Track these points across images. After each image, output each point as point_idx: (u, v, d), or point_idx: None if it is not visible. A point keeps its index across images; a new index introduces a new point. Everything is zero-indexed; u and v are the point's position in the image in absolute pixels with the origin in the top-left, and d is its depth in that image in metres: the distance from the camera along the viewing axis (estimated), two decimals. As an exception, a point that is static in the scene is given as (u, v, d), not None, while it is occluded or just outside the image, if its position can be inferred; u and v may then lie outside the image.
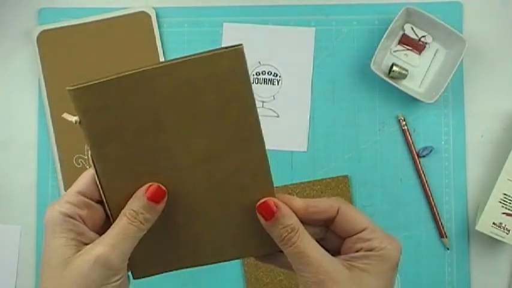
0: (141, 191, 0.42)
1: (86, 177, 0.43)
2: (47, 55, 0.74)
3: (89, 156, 0.42)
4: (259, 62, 0.75)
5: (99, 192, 0.43)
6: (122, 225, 0.42)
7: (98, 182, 0.43)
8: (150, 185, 0.43)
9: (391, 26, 0.71)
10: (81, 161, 0.73)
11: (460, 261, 0.73)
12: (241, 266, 0.72)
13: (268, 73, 0.75)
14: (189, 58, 0.41)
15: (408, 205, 0.73)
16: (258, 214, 0.43)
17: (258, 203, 0.43)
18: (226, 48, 0.41)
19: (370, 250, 0.43)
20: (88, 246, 0.41)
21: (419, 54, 0.74)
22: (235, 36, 0.75)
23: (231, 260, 0.47)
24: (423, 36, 0.74)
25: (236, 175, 0.43)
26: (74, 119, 0.41)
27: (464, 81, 0.74)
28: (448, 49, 0.74)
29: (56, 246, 0.41)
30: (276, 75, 0.75)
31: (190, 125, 0.42)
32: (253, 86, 0.74)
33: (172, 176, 0.43)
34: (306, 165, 0.74)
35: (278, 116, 0.74)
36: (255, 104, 0.42)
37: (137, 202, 0.42)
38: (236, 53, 0.41)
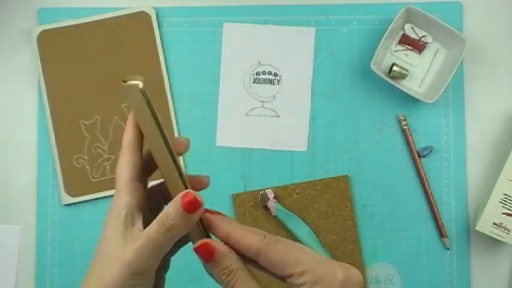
0: (179, 197, 0.41)
1: (125, 162, 0.43)
2: (47, 55, 0.74)
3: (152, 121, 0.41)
4: (259, 62, 0.75)
5: (167, 156, 0.41)
6: (150, 228, 0.40)
7: (163, 143, 0.41)
8: (187, 192, 0.41)
9: (391, 26, 0.71)
10: (81, 161, 0.73)
11: (460, 261, 0.73)
12: (241, 266, 0.72)
13: (268, 73, 0.75)
14: None
15: (408, 205, 0.73)
16: (196, 255, 0.41)
17: (196, 245, 0.41)
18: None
19: None
20: (129, 243, 0.40)
21: (420, 54, 0.74)
22: (235, 36, 0.75)
23: None
24: (423, 36, 0.74)
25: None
26: (137, 82, 0.40)
27: (464, 81, 0.74)
28: (448, 49, 0.74)
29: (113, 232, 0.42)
30: (276, 75, 0.75)
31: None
32: (253, 86, 0.74)
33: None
34: (306, 165, 0.74)
35: (278, 116, 0.74)
36: (163, 135, 0.42)
37: (171, 207, 0.41)
38: (134, 86, 0.41)
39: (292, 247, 0.40)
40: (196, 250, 0.41)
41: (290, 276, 0.39)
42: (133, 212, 0.42)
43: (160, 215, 0.40)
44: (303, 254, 0.40)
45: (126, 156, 0.43)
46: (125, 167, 0.43)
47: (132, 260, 0.39)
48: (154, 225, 0.40)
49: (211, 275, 0.42)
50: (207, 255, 0.41)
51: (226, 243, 0.41)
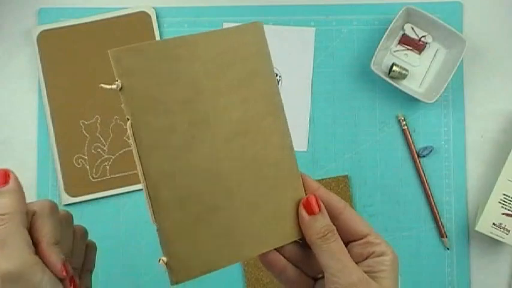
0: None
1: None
2: (47, 55, 0.74)
3: (128, 127, 0.40)
4: (259, 62, 0.75)
5: (139, 171, 0.41)
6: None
7: (136, 156, 0.40)
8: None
9: (391, 26, 0.71)
10: (81, 161, 0.73)
11: (460, 261, 0.73)
12: (241, 266, 0.72)
13: (268, 73, 0.75)
14: (223, 29, 0.44)
15: (408, 205, 0.73)
16: (300, 209, 0.44)
17: (303, 200, 0.44)
18: (248, 24, 0.44)
19: (381, 255, 0.44)
20: None
21: (420, 54, 0.74)
22: (235, 36, 0.75)
23: (268, 250, 0.44)
24: (423, 36, 0.74)
25: (266, 150, 0.43)
26: (113, 86, 0.40)
27: (464, 81, 0.74)
28: (448, 49, 0.74)
29: None
30: (276, 75, 0.75)
31: (225, 94, 0.42)
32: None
33: (210, 151, 0.42)
34: (306, 165, 0.74)
35: (278, 116, 0.74)
36: (275, 79, 0.44)
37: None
38: (256, 27, 0.44)
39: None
40: (305, 203, 0.44)
41: (368, 234, 0.45)
42: None
43: None
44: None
45: None
46: None
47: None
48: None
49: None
50: (313, 209, 0.44)
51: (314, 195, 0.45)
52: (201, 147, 0.41)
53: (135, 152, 0.40)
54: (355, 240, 0.45)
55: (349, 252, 0.44)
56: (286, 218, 0.44)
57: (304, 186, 0.45)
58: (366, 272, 0.43)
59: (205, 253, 0.42)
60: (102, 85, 0.40)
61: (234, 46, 0.43)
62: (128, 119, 0.40)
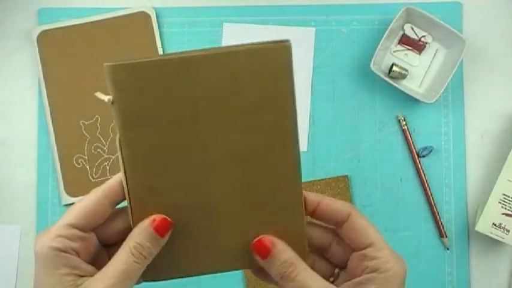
0: (147, 222, 0.40)
1: (77, 209, 0.40)
2: (47, 55, 0.74)
3: (117, 140, 0.40)
4: (259, 62, 0.75)
5: (124, 183, 0.40)
6: (124, 259, 0.39)
7: (122, 170, 0.40)
8: (156, 217, 0.40)
9: (391, 26, 0.71)
10: (81, 161, 0.73)
11: (460, 261, 0.73)
12: (241, 266, 0.72)
13: (268, 73, 0.75)
14: (236, 49, 0.39)
15: (408, 205, 0.73)
16: (253, 253, 0.42)
17: (253, 242, 0.41)
18: (273, 42, 0.39)
19: (375, 271, 0.41)
20: (86, 283, 0.38)
21: (419, 54, 0.74)
22: (235, 36, 0.75)
23: (250, 267, 0.44)
24: (423, 36, 0.74)
25: (266, 179, 0.41)
26: (107, 97, 0.39)
27: (464, 81, 0.74)
28: (448, 49, 0.74)
29: (50, 285, 0.38)
30: (276, 75, 0.75)
31: (229, 121, 0.40)
32: (253, 86, 0.74)
33: (201, 172, 0.41)
34: (306, 165, 0.74)
35: (278, 116, 0.74)
36: (295, 108, 0.40)
37: (144, 235, 0.40)
38: (285, 49, 0.39)
39: (371, 224, 0.43)
40: (255, 246, 0.41)
41: (368, 246, 0.42)
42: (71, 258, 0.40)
43: (131, 243, 0.40)
44: (380, 234, 0.43)
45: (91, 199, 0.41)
46: (80, 210, 0.40)
47: None
48: (126, 255, 0.39)
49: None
50: (265, 251, 0.41)
51: (315, 211, 0.43)
52: (192, 169, 0.40)
53: (121, 166, 0.40)
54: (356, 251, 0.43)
55: (348, 264, 0.43)
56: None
57: (305, 203, 0.43)
58: None
59: (178, 259, 0.43)
60: (97, 94, 0.40)
61: (247, 69, 0.39)
62: (117, 134, 0.40)
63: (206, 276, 0.69)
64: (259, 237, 0.41)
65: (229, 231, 0.42)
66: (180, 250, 0.42)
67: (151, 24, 0.74)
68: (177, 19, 0.75)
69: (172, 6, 0.75)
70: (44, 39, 0.74)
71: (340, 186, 0.73)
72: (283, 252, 0.41)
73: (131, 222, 0.41)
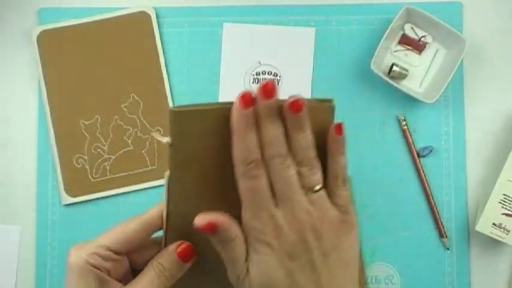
0: (173, 247, 0.43)
1: (116, 234, 0.44)
2: (47, 55, 0.74)
3: (166, 177, 0.42)
4: (259, 62, 0.75)
5: (164, 214, 0.43)
6: (147, 278, 0.43)
7: (165, 203, 0.43)
8: (182, 243, 0.44)
9: (391, 26, 0.71)
10: (81, 161, 0.73)
11: (460, 261, 0.73)
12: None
13: (268, 73, 0.75)
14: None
15: (408, 205, 0.73)
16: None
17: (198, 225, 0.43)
18: (319, 101, 0.43)
19: None
20: None
21: (419, 54, 0.74)
22: (235, 36, 0.75)
23: None
24: (423, 36, 0.74)
25: None
26: (165, 140, 0.41)
27: (464, 81, 0.74)
28: (448, 49, 0.74)
29: None
30: (276, 75, 0.75)
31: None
32: (253, 86, 0.74)
33: (234, 212, 0.42)
34: (306, 165, 0.74)
35: (278, 116, 0.74)
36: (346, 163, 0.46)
37: (167, 257, 0.43)
38: (329, 109, 0.43)
39: None
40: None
41: None
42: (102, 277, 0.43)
43: (155, 264, 0.43)
44: None
45: (132, 226, 0.44)
46: (118, 236, 0.44)
47: None
48: (150, 274, 0.43)
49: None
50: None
51: None
52: (225, 205, 0.42)
53: (164, 198, 0.43)
54: None
55: None
56: None
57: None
58: None
59: None
60: (154, 135, 0.44)
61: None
62: (167, 171, 0.42)
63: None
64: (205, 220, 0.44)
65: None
66: (203, 284, 0.46)
67: (152, 24, 0.74)
68: (177, 19, 0.75)
69: (172, 6, 0.75)
70: (44, 39, 0.74)
71: (340, 186, 0.73)
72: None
73: (163, 243, 0.45)
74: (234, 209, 0.42)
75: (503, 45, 0.75)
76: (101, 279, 0.42)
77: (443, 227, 0.73)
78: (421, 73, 0.74)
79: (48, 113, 0.73)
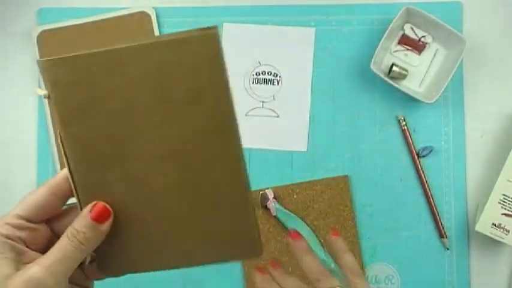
0: (86, 209, 0.42)
1: (26, 201, 0.43)
2: (47, 55, 0.74)
3: (58, 135, 0.41)
4: (259, 62, 0.75)
5: (69, 178, 0.42)
6: (60, 244, 0.41)
7: (66, 166, 0.42)
8: (95, 204, 0.42)
9: (391, 26, 0.71)
10: (81, 161, 0.73)
11: (460, 261, 0.73)
12: (241, 266, 0.72)
13: (268, 73, 0.75)
14: (160, 40, 0.39)
15: (408, 205, 0.73)
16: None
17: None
18: (200, 30, 0.38)
19: None
20: (27, 265, 0.40)
21: (419, 54, 0.74)
22: (235, 36, 0.75)
23: (200, 264, 0.44)
24: (423, 36, 0.74)
25: (208, 171, 0.41)
26: (43, 92, 0.40)
27: (464, 81, 0.74)
28: (448, 49, 0.74)
29: None
30: (276, 75, 0.75)
31: (162, 112, 0.40)
32: (253, 86, 0.74)
33: (142, 166, 0.41)
34: (306, 165, 0.74)
35: (278, 116, 0.74)
36: (231, 95, 0.40)
37: (80, 220, 0.41)
38: (209, 37, 0.38)
39: None
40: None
41: None
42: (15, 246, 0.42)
43: (69, 229, 0.41)
44: None
45: (41, 192, 0.43)
46: (29, 202, 0.43)
47: (40, 277, 0.39)
48: (63, 240, 0.41)
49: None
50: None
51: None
52: (131, 163, 0.41)
53: (65, 161, 0.41)
54: None
55: None
56: (217, 238, 0.43)
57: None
58: None
59: (134, 255, 0.44)
60: (36, 90, 0.43)
61: (176, 58, 0.39)
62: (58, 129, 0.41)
63: (206, 276, 0.68)
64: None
65: (178, 229, 0.43)
66: (134, 246, 0.43)
67: (151, 24, 0.74)
68: (177, 19, 0.75)
69: (172, 6, 0.75)
70: (44, 39, 0.74)
71: (340, 186, 0.73)
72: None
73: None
74: (137, 168, 0.41)
75: (503, 45, 0.75)
76: (16, 250, 0.41)
77: (443, 227, 0.73)
78: (421, 73, 0.74)
79: (48, 113, 0.73)
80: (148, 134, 0.41)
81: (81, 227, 0.41)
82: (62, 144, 0.41)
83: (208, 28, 0.38)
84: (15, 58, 0.75)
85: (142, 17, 0.74)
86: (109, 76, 0.39)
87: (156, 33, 0.74)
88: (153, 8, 0.74)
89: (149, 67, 0.39)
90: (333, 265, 0.70)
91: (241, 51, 0.75)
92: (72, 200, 0.43)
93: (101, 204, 0.41)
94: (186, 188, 0.42)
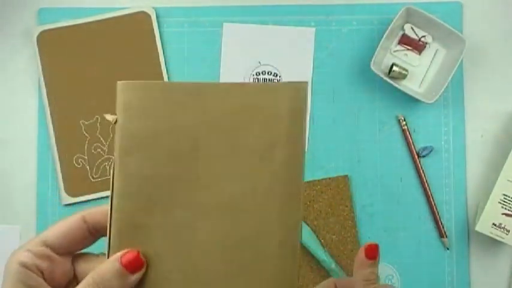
0: (117, 254, 0.36)
1: (56, 225, 0.38)
2: (47, 55, 0.74)
3: (112, 165, 0.38)
4: (259, 62, 0.75)
5: (108, 214, 0.38)
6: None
7: (110, 199, 0.38)
8: (128, 251, 0.37)
9: (391, 26, 0.71)
10: (81, 161, 0.73)
11: (460, 261, 0.73)
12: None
13: (268, 73, 0.75)
14: (247, 83, 0.39)
15: (408, 205, 0.73)
16: (362, 252, 0.46)
17: (367, 245, 0.47)
18: (290, 82, 0.38)
19: None
20: None
21: (419, 54, 0.74)
22: (235, 36, 0.75)
23: None
24: (423, 36, 0.74)
25: (259, 235, 0.37)
26: (112, 118, 0.38)
27: (464, 81, 0.74)
28: (448, 49, 0.74)
29: None
30: (276, 75, 0.75)
31: (228, 161, 0.37)
32: (253, 86, 0.74)
33: (189, 215, 0.38)
34: (306, 165, 0.73)
35: (278, 116, 0.74)
36: (304, 154, 0.38)
37: (108, 266, 0.36)
38: (298, 88, 0.37)
39: None
40: (369, 248, 0.48)
41: None
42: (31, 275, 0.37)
43: (93, 274, 0.36)
44: None
45: (72, 221, 0.39)
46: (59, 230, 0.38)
47: None
48: (80, 286, 0.36)
49: None
50: (374, 254, 0.47)
51: None
52: (179, 209, 0.37)
53: (110, 194, 0.38)
54: None
55: None
56: None
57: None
58: None
59: None
60: (105, 116, 0.39)
61: (259, 104, 0.37)
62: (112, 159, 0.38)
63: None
64: (371, 243, 0.47)
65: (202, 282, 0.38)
66: None
67: (152, 24, 0.74)
68: (177, 19, 0.75)
69: (172, 6, 0.75)
70: (44, 39, 0.74)
71: (340, 186, 0.73)
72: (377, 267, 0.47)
73: (107, 257, 0.38)
74: (184, 217, 0.37)
75: (503, 45, 0.75)
76: (29, 282, 0.36)
77: (443, 227, 0.73)
78: (421, 73, 0.74)
79: (48, 113, 0.73)
80: (207, 182, 0.37)
81: (107, 273, 0.36)
82: (113, 175, 0.38)
83: (299, 82, 0.38)
84: (15, 58, 0.75)
85: (142, 17, 0.74)
86: (184, 110, 0.37)
87: (156, 33, 0.74)
88: (153, 8, 0.74)
89: (229, 109, 0.37)
90: (333, 265, 0.70)
91: (241, 51, 0.75)
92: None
93: (134, 251, 0.36)
94: (229, 248, 0.38)
